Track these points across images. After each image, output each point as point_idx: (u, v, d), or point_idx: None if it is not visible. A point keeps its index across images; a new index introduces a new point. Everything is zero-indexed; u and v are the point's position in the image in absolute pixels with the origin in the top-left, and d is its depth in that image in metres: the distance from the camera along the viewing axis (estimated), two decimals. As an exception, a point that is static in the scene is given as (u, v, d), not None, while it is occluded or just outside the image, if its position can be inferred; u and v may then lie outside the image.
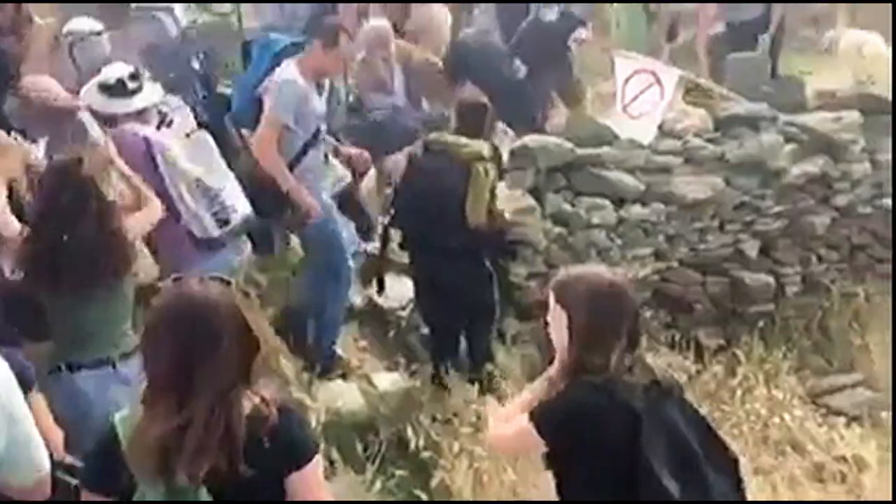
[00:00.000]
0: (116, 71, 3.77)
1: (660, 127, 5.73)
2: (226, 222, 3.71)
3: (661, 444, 2.14)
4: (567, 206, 5.55)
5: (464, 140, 4.46)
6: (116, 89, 3.72)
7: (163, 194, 3.52)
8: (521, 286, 5.22)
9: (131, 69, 3.79)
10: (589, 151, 5.60)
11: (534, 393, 2.40)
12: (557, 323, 2.30)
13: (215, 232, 3.72)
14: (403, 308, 5.10)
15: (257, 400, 1.90)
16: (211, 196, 3.71)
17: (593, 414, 2.18)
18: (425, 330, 4.88)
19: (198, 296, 1.89)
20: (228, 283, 1.98)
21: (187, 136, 3.74)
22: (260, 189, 4.10)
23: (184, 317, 1.87)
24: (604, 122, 5.92)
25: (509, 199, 5.23)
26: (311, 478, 1.95)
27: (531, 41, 6.50)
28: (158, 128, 3.73)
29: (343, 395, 4.31)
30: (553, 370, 2.33)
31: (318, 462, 1.99)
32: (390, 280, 5.23)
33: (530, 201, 5.40)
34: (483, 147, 4.45)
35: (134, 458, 1.84)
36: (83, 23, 4.77)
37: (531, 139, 5.57)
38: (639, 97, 5.83)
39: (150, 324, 1.93)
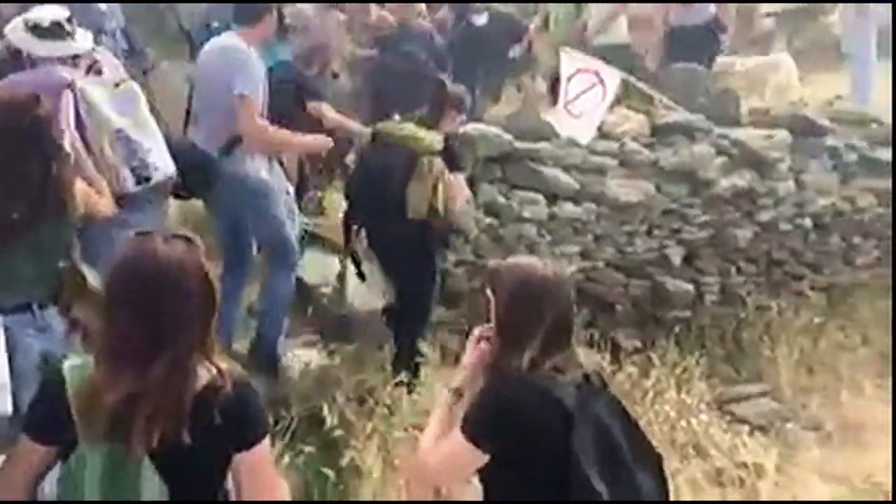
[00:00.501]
0: (51, 13, 3.58)
1: (599, 128, 5.80)
2: (146, 179, 3.56)
3: (592, 443, 2.11)
4: (500, 198, 5.57)
5: (414, 130, 4.40)
6: (51, 31, 3.54)
7: (83, 145, 3.40)
8: (448, 273, 5.23)
9: (67, 13, 3.62)
10: (527, 145, 5.63)
11: (446, 401, 2.30)
12: (491, 314, 2.24)
13: (132, 187, 3.57)
14: (326, 285, 5.07)
15: (214, 371, 1.82)
16: (132, 149, 3.53)
17: (526, 411, 2.12)
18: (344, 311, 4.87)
19: (163, 254, 1.80)
20: (191, 240, 1.87)
21: (116, 85, 3.60)
22: None
23: (148, 276, 1.79)
24: (545, 118, 5.95)
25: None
26: (259, 459, 1.89)
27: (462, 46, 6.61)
28: (87, 74, 3.57)
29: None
30: (468, 359, 2.28)
31: (267, 444, 1.91)
32: (313, 257, 5.20)
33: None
34: (434, 139, 4.40)
35: (82, 416, 1.76)
36: None
37: (472, 127, 5.56)
38: (581, 96, 5.88)
39: (111, 281, 1.84)
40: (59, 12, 3.62)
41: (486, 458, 2.15)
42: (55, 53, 3.54)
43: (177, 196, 4.18)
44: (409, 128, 4.46)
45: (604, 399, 2.21)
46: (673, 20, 7.22)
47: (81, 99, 3.43)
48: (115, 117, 3.52)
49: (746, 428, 5.19)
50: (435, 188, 4.36)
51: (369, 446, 3.83)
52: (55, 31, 3.55)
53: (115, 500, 1.76)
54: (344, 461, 3.86)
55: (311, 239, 5.28)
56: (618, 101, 6.07)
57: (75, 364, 1.83)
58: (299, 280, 4.97)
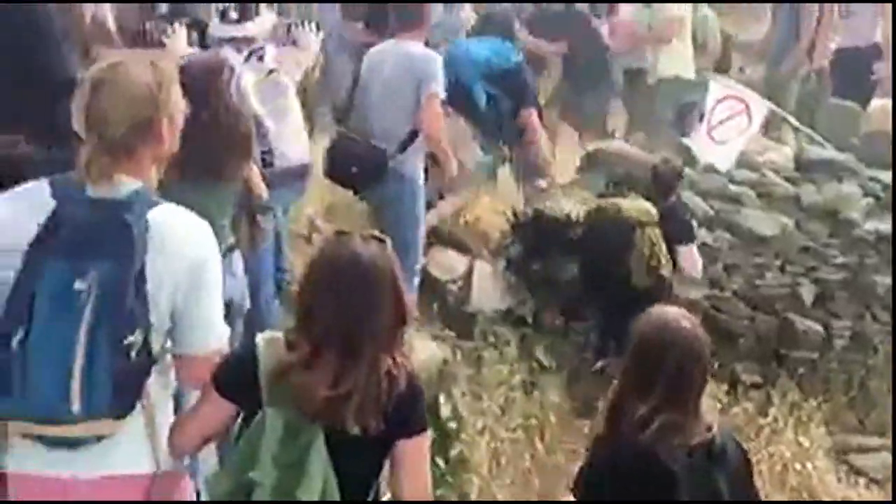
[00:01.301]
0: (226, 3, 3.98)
1: (739, 157, 5.72)
2: (268, 164, 3.81)
3: None
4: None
5: (635, 204, 4.63)
6: (225, 18, 3.91)
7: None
8: (571, 283, 5.26)
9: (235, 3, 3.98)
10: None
11: None
12: None
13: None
14: (454, 282, 5.21)
15: (390, 362, 1.98)
16: (262, 134, 3.79)
17: (627, 478, 2.12)
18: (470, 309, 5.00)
19: (361, 253, 1.96)
20: (384, 241, 2.04)
21: (268, 74, 3.88)
22: None
23: (348, 272, 1.94)
24: (685, 142, 5.92)
25: (581, 201, 5.30)
26: (420, 449, 2.04)
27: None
28: (248, 59, 3.87)
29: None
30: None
31: (427, 437, 2.06)
32: (444, 253, 5.36)
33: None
34: (651, 211, 4.60)
35: (270, 387, 1.94)
36: None
37: (612, 144, 5.61)
38: (725, 123, 5.83)
39: (311, 278, 2.00)
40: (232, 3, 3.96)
41: None
42: (227, 34, 3.89)
43: (342, 185, 4.48)
44: (629, 202, 4.64)
45: (726, 468, 2.16)
46: (840, 41, 6.92)
47: (234, 82, 3.71)
48: (256, 103, 3.79)
49: (863, 480, 5.02)
50: (654, 256, 4.54)
51: (479, 442, 3.94)
52: (223, 14, 3.91)
53: (284, 464, 1.90)
54: (453, 452, 3.98)
55: (442, 236, 5.44)
56: (763, 132, 5.97)
57: (269, 338, 2.02)
58: (428, 274, 5.16)
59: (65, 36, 3.63)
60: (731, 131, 5.78)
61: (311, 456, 1.91)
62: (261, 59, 3.92)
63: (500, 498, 3.77)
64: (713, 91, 5.87)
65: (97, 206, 1.94)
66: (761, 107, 5.81)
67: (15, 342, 1.85)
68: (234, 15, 3.92)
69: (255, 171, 3.55)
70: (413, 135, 4.41)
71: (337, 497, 1.93)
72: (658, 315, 2.23)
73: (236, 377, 2.01)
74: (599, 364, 4.48)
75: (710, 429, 2.19)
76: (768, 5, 7.52)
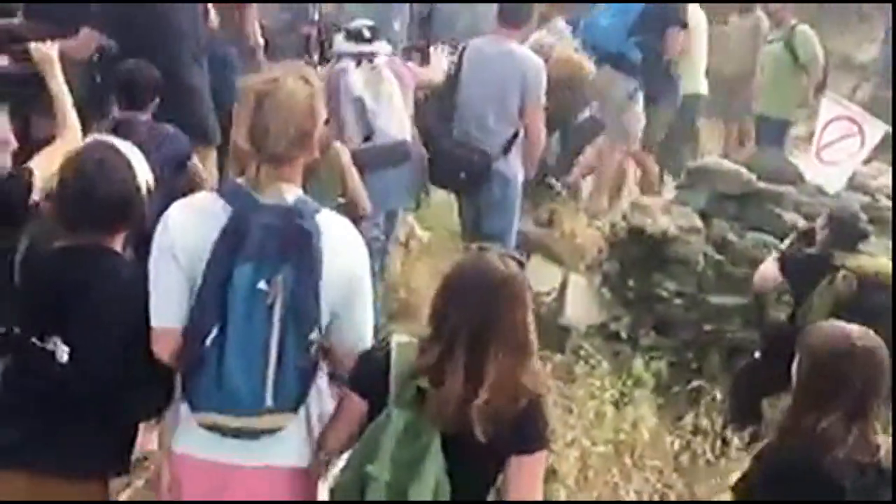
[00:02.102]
0: (359, 24, 4.33)
1: (851, 179, 5.55)
2: (367, 139, 4.10)
3: None
4: (733, 236, 5.48)
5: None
6: (352, 35, 4.26)
7: (333, 110, 3.92)
8: (667, 300, 5.22)
9: (370, 24, 4.33)
10: (770, 187, 5.49)
11: None
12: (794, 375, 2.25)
13: (356, 144, 4.11)
14: (547, 294, 5.24)
15: (518, 378, 2.03)
16: (361, 113, 4.12)
17: (796, 488, 2.13)
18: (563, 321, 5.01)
19: (500, 269, 2.05)
20: (522, 263, 2.15)
21: (372, 69, 4.19)
22: None
23: (484, 286, 2.03)
24: (793, 161, 5.78)
25: (677, 216, 5.24)
26: (536, 465, 2.08)
27: None
28: (359, 64, 4.18)
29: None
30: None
31: (545, 454, 2.12)
32: (537, 263, 5.40)
33: (697, 222, 5.37)
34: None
35: (399, 388, 2.04)
36: None
37: (713, 160, 5.53)
38: (835, 144, 5.67)
39: (447, 287, 2.10)
40: (365, 22, 4.33)
41: None
42: (347, 50, 4.25)
43: (447, 189, 4.70)
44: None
45: (891, 490, 2.14)
46: None
47: (345, 81, 4.12)
48: (359, 88, 4.11)
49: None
50: None
51: (568, 454, 3.94)
52: (355, 35, 4.24)
53: (401, 463, 1.99)
54: (542, 463, 4.00)
55: (537, 247, 5.48)
56: (875, 155, 5.78)
57: (403, 342, 2.13)
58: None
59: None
60: (841, 153, 5.62)
61: (428, 457, 1.98)
62: (370, 61, 4.20)
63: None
64: (824, 110, 5.72)
65: (273, 213, 2.04)
66: (876, 129, 5.63)
67: (209, 339, 1.98)
68: (367, 34, 4.24)
69: (357, 181, 3.75)
70: (514, 136, 4.48)
71: (448, 496, 1.99)
72: (841, 330, 2.22)
73: (370, 376, 2.12)
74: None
75: (878, 449, 2.18)
76: (882, 25, 7.27)
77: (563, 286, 5.19)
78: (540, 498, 2.12)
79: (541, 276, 5.30)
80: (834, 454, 2.10)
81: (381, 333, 4.27)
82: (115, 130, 3.39)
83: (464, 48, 4.64)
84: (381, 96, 4.16)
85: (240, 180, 2.12)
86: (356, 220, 3.68)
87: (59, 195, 2.25)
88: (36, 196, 2.65)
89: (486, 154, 4.45)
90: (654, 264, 5.21)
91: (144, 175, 2.30)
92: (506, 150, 4.48)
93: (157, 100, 3.76)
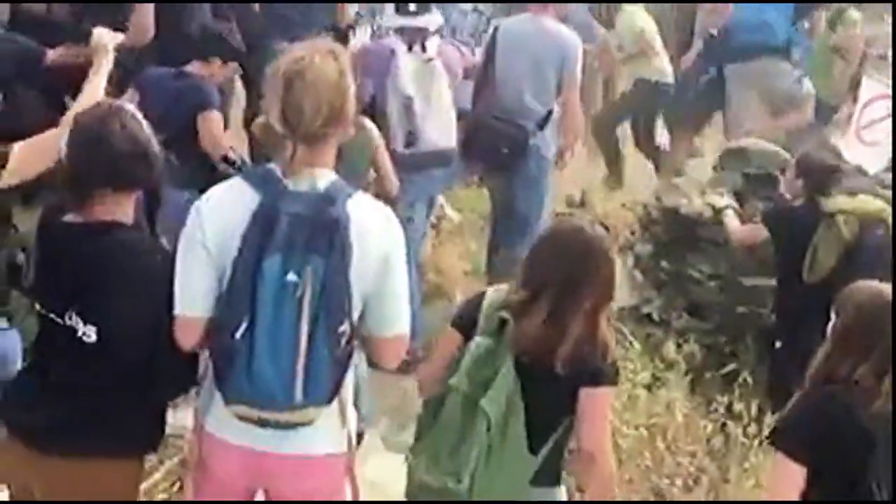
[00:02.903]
0: None
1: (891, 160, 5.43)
2: (412, 144, 4.00)
3: (889, 479, 2.22)
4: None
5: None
6: (402, 9, 4.21)
7: (380, 102, 3.91)
8: (700, 282, 5.16)
9: None
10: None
11: None
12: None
13: (400, 148, 4.04)
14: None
15: (594, 324, 2.34)
16: (410, 116, 4.02)
17: (834, 427, 2.28)
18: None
19: (588, 230, 2.42)
20: (608, 229, 2.47)
21: (426, 61, 4.02)
22: None
23: (572, 242, 2.39)
24: (832, 142, 5.67)
25: (712, 196, 5.16)
26: (603, 399, 2.38)
27: None
28: (410, 48, 4.03)
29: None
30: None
31: (611, 391, 2.42)
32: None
33: (732, 203, 5.28)
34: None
35: (486, 320, 2.36)
36: None
37: (751, 142, 5.43)
38: (875, 124, 5.55)
39: (539, 245, 2.46)
40: None
41: (803, 470, 2.29)
42: (397, 24, 4.18)
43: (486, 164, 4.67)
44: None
45: None
46: None
47: (395, 66, 3.95)
48: (411, 87, 3.98)
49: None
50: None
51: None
52: (406, 10, 4.18)
53: (477, 379, 2.29)
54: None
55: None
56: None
57: (496, 287, 2.47)
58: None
59: None
60: (881, 133, 5.49)
61: (500, 377, 2.27)
62: (423, 48, 4.09)
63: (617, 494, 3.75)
64: (865, 90, 5.59)
65: (303, 200, 2.01)
66: (919, 108, 5.49)
67: (239, 333, 1.96)
68: (412, 7, 4.16)
69: (387, 160, 3.70)
70: (549, 112, 4.46)
71: (521, 417, 2.27)
72: (881, 288, 2.45)
73: (466, 312, 2.46)
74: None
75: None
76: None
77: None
78: (607, 433, 2.42)
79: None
80: (872, 406, 2.27)
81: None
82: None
83: (497, 27, 4.61)
84: (431, 97, 4.07)
85: (271, 165, 2.09)
86: (389, 201, 3.69)
87: (69, 153, 2.21)
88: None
89: (525, 129, 4.45)
90: (687, 246, 5.14)
91: (150, 136, 2.26)
92: (541, 126, 4.46)
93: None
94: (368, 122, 3.86)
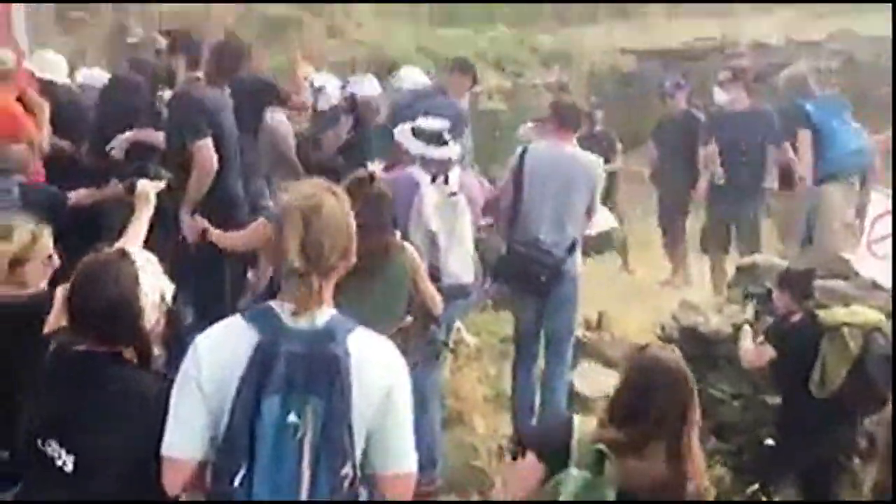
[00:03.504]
0: (435, 124, 4.37)
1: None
2: (435, 279, 3.99)
3: None
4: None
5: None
6: (431, 137, 4.27)
7: (403, 233, 3.96)
8: (724, 401, 5.09)
9: (448, 125, 4.40)
10: (822, 283, 5.40)
11: None
12: None
13: None
14: (602, 399, 5.14)
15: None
16: (434, 251, 4.07)
17: None
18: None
19: (671, 361, 2.54)
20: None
21: (450, 195, 4.13)
22: None
23: (677, 379, 2.50)
24: (844, 256, 5.70)
25: (729, 314, 5.17)
26: None
27: None
28: (434, 180, 4.15)
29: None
30: None
31: None
32: (590, 368, 5.34)
33: (750, 318, 5.28)
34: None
35: (583, 457, 2.42)
36: None
37: (762, 257, 5.48)
38: (886, 238, 5.60)
39: (643, 380, 2.52)
40: (441, 123, 4.37)
41: None
42: (419, 152, 4.25)
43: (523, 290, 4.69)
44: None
45: None
46: None
47: (419, 199, 4.05)
48: (435, 221, 4.04)
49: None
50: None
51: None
52: (434, 138, 4.26)
53: None
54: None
55: (589, 350, 5.43)
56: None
57: (581, 418, 2.58)
58: (572, 388, 5.14)
59: None
60: (893, 247, 5.54)
61: None
62: (446, 181, 4.22)
63: None
64: (873, 204, 5.67)
65: (303, 338, 1.97)
66: (928, 221, 5.55)
67: (238, 479, 1.89)
68: (447, 137, 4.30)
69: (429, 283, 3.75)
70: (577, 239, 4.62)
71: None
72: None
73: (550, 443, 2.52)
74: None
75: None
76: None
77: (615, 390, 5.09)
78: None
79: (594, 382, 5.22)
80: None
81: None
82: None
83: (524, 151, 4.73)
84: (454, 234, 4.13)
85: (271, 303, 2.06)
86: (428, 323, 3.72)
87: (69, 291, 2.26)
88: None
89: (559, 256, 4.53)
90: (707, 365, 5.10)
91: (155, 286, 2.27)
92: (571, 250, 4.55)
93: None
94: (408, 245, 3.82)
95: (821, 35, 10.61)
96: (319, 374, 1.94)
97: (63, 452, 2.13)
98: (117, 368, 2.20)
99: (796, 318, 4.44)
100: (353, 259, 2.13)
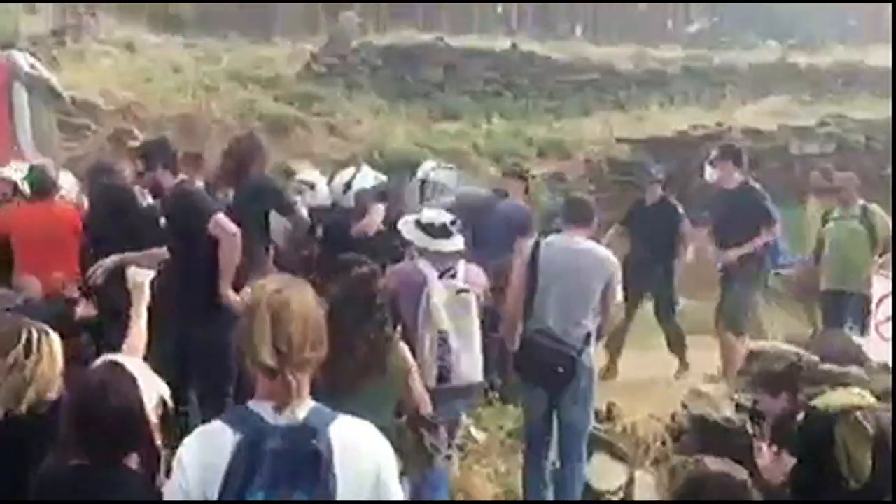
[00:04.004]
0: (439, 217, 4.38)
1: (916, 355, 5.39)
2: (445, 379, 3.91)
3: None
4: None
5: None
6: (436, 230, 4.26)
7: (411, 330, 3.90)
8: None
9: (452, 218, 4.39)
10: (834, 368, 5.33)
11: None
12: None
13: (432, 383, 3.98)
14: (614, 493, 5.03)
15: None
16: (444, 351, 4.03)
17: None
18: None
19: (727, 476, 2.46)
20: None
21: (458, 292, 4.10)
22: None
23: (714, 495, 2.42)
24: (855, 340, 5.65)
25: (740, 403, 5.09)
26: None
27: None
28: (441, 276, 4.12)
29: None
30: None
31: None
32: (600, 461, 5.22)
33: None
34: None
35: None
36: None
37: (769, 343, 5.41)
38: (890, 320, 5.58)
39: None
40: (445, 216, 4.39)
41: None
42: (433, 248, 4.24)
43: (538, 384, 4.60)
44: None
45: None
46: None
47: (427, 296, 3.97)
48: (445, 319, 4.03)
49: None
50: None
51: None
52: (439, 231, 4.26)
53: None
54: None
55: (600, 443, 5.31)
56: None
57: None
58: (586, 484, 5.01)
59: None
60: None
61: None
62: (453, 276, 4.19)
63: None
64: (877, 287, 5.67)
65: (284, 435, 1.97)
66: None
67: None
68: (453, 230, 4.28)
69: (419, 384, 3.67)
70: (597, 329, 4.59)
71: None
72: None
73: None
74: None
75: None
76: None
77: (630, 483, 4.98)
78: None
79: (605, 475, 5.11)
80: None
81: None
82: None
83: (537, 244, 4.76)
84: (464, 333, 4.09)
85: (249, 403, 2.06)
86: (428, 427, 3.58)
87: (66, 417, 2.27)
88: None
89: (576, 348, 4.49)
90: (720, 454, 4.98)
91: (155, 393, 2.31)
92: (587, 342, 4.53)
93: None
94: (402, 343, 3.76)
95: (811, 120, 10.81)
96: (302, 470, 1.94)
97: None
98: (119, 478, 2.23)
99: (800, 416, 4.29)
100: (325, 351, 2.10)
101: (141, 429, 2.24)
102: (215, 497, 1.94)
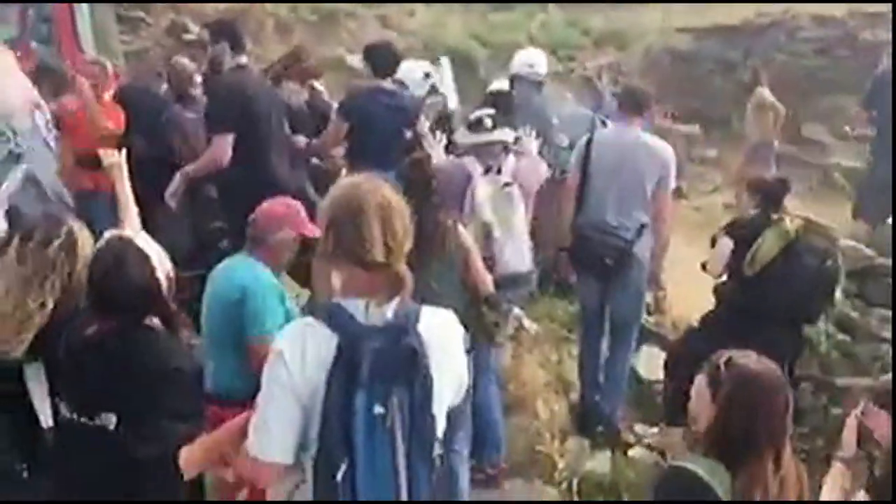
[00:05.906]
0: (477, 112, 4.41)
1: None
2: (489, 270, 3.96)
3: None
4: (855, 314, 5.26)
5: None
6: (475, 125, 4.29)
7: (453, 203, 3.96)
8: (794, 386, 5.00)
9: (492, 111, 4.37)
10: (891, 262, 5.28)
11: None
12: None
13: None
14: (660, 382, 5.11)
15: None
16: (489, 243, 4.06)
17: None
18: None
19: (764, 373, 2.28)
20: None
21: (503, 186, 4.12)
22: None
23: (762, 393, 2.26)
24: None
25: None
26: None
27: None
28: (487, 172, 4.14)
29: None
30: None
31: None
32: (650, 352, 5.29)
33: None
34: None
35: None
36: None
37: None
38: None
39: (747, 399, 2.27)
40: (485, 111, 4.38)
41: None
42: (470, 141, 4.26)
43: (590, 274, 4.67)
44: None
45: None
46: None
47: (472, 191, 4.07)
48: (488, 213, 4.08)
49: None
50: None
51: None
52: (478, 125, 4.26)
53: None
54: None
55: (647, 335, 5.38)
56: None
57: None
58: (634, 372, 5.11)
59: None
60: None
61: None
62: (499, 171, 4.22)
63: None
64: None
65: (378, 334, 2.03)
66: None
67: (340, 475, 1.96)
68: (488, 123, 4.27)
69: (480, 263, 3.74)
70: (645, 223, 4.56)
71: None
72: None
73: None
74: None
75: None
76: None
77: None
78: None
79: (653, 367, 5.18)
80: None
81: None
82: None
83: (590, 138, 4.72)
84: (508, 224, 4.13)
85: (341, 302, 2.09)
86: (489, 304, 3.68)
87: (87, 289, 2.43)
88: None
89: (627, 240, 4.51)
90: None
91: (162, 261, 2.45)
92: (639, 234, 4.53)
93: None
94: (461, 227, 3.80)
95: (883, 7, 10.26)
96: (400, 367, 2.01)
97: (103, 415, 2.30)
98: (146, 335, 2.40)
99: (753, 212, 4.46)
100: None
101: (157, 292, 2.41)
102: (318, 396, 2.00)
